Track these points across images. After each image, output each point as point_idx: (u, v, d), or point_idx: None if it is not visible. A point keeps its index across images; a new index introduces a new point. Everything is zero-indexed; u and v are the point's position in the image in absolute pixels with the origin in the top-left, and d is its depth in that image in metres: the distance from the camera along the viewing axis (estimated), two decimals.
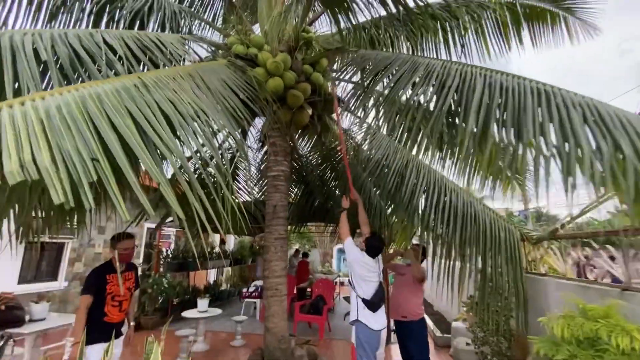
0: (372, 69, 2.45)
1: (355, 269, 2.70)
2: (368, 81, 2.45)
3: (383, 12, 3.11)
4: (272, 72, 2.91)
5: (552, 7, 3.78)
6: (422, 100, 2.02)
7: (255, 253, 9.08)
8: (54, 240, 6.13)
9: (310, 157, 4.98)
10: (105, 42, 1.96)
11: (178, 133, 1.52)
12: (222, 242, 12.73)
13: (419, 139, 2.48)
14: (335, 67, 3.58)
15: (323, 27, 4.05)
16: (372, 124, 3.46)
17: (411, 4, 2.59)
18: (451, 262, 2.57)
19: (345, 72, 3.19)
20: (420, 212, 2.72)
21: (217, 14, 3.87)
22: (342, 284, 10.70)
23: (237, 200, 4.90)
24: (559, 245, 2.90)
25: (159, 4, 2.79)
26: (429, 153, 2.86)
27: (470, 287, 3.08)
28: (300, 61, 3.31)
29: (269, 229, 3.18)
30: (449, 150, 2.35)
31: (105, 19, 2.75)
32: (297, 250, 8.99)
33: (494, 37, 3.96)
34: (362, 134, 3.39)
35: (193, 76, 2.01)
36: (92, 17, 2.67)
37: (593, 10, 3.70)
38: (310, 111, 3.13)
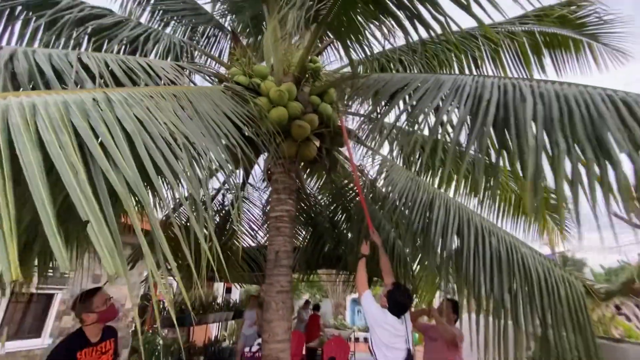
0: (387, 90, 2.14)
1: (376, 332, 2.14)
2: (383, 102, 2.13)
3: (396, 42, 2.90)
4: (276, 101, 2.64)
5: (575, 34, 3.54)
6: (456, 116, 1.64)
7: (261, 304, 8.28)
8: (42, 291, 5.66)
9: (320, 197, 4.58)
10: (80, 61, 1.71)
11: (141, 156, 1.16)
12: (228, 290, 11.93)
13: (440, 168, 2.07)
14: (345, 99, 3.32)
15: (330, 58, 3.89)
16: (388, 156, 3.09)
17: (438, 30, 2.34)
18: (500, 323, 1.99)
19: (355, 99, 2.91)
20: (452, 259, 2.21)
21: (223, 50, 3.79)
22: (357, 339, 9.58)
23: (234, 245, 4.44)
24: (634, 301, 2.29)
25: (157, 35, 2.65)
26: (462, 187, 2.43)
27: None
28: (306, 92, 3.07)
29: (270, 279, 2.68)
30: (488, 183, 1.91)
31: (103, 48, 2.60)
32: (306, 302, 8.14)
33: (513, 67, 3.71)
34: (377, 167, 3.02)
35: (178, 97, 1.71)
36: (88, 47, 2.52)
37: (620, 35, 3.44)
38: (317, 144, 2.80)
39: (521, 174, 1.47)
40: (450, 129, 1.86)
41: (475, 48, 3.54)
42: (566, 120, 1.25)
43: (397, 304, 2.07)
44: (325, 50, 3.88)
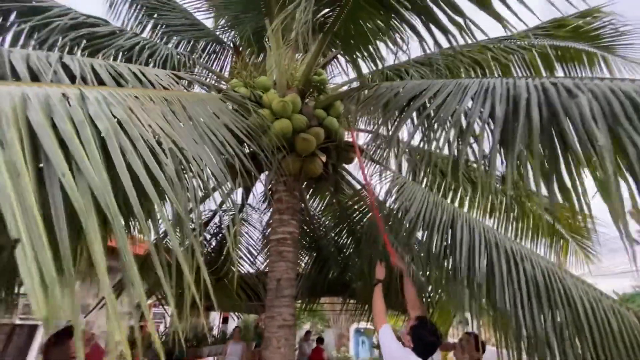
0: (400, 99, 1.95)
1: None
2: (396, 114, 1.93)
3: (406, 53, 2.77)
4: (279, 113, 2.46)
5: (588, 47, 3.42)
6: (480, 124, 1.42)
7: (260, 335, 7.70)
8: (25, 322, 5.25)
9: (323, 219, 4.31)
10: (64, 64, 1.53)
11: (115, 162, 0.93)
12: (224, 321, 11.30)
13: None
14: (353, 112, 3.15)
15: (335, 72, 3.76)
16: (402, 173, 2.86)
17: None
18: None
19: (363, 113, 2.72)
20: (482, 287, 1.91)
21: (225, 66, 3.68)
22: None
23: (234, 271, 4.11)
24: None
25: (153, 46, 2.51)
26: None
27: None
28: (311, 106, 2.89)
29: (271, 312, 2.37)
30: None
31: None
32: (307, 333, 7.54)
33: None
34: (388, 185, 2.77)
35: (170, 101, 1.51)
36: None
37: (638, 46, 3.32)
38: (323, 159, 2.58)
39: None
40: (475, 142, 1.65)
41: (483, 61, 3.42)
42: (634, 117, 1.03)
43: (424, 343, 1.75)
44: (330, 65, 3.77)
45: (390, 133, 2.45)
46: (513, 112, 1.30)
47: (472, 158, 1.78)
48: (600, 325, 1.76)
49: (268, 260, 2.72)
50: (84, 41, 2.20)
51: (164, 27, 3.51)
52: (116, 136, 0.99)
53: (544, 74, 3.54)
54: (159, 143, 1.13)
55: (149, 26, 3.55)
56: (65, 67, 1.58)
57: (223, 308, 5.04)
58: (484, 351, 2.57)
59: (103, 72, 1.67)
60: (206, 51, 3.69)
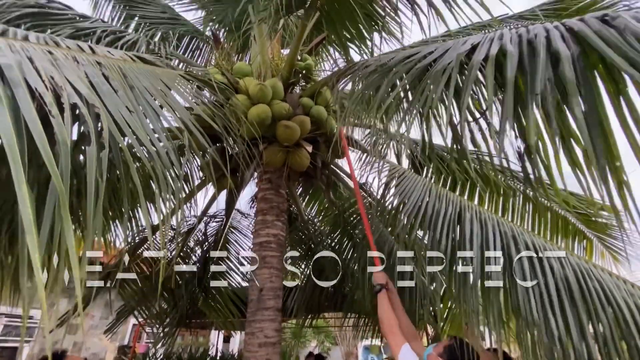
0: (389, 68, 1.66)
1: None
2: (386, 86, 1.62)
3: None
4: (257, 98, 2.19)
5: None
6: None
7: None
8: (4, 344, 4.93)
9: (320, 225, 3.97)
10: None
11: None
12: (225, 340, 10.79)
13: None
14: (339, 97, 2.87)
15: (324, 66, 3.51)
16: (399, 163, 2.54)
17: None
18: None
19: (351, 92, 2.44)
20: (492, 288, 1.55)
21: (208, 61, 3.47)
22: None
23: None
24: None
25: (120, 32, 2.30)
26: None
27: None
28: (297, 94, 2.63)
29: (251, 327, 2.03)
30: None
31: None
32: (309, 355, 6.93)
33: None
34: (384, 178, 2.44)
35: (104, 66, 1.25)
36: None
37: None
38: (309, 149, 2.29)
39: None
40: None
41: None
42: None
43: None
44: (322, 59, 3.54)
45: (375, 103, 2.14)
46: (529, 52, 1.00)
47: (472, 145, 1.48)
48: None
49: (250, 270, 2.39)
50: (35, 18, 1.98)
51: (147, 24, 3.33)
52: None
53: None
54: (58, 97, 0.86)
55: (133, 24, 3.38)
56: None
57: (213, 325, 4.67)
58: None
59: (37, 41, 1.42)
60: (189, 48, 3.50)
